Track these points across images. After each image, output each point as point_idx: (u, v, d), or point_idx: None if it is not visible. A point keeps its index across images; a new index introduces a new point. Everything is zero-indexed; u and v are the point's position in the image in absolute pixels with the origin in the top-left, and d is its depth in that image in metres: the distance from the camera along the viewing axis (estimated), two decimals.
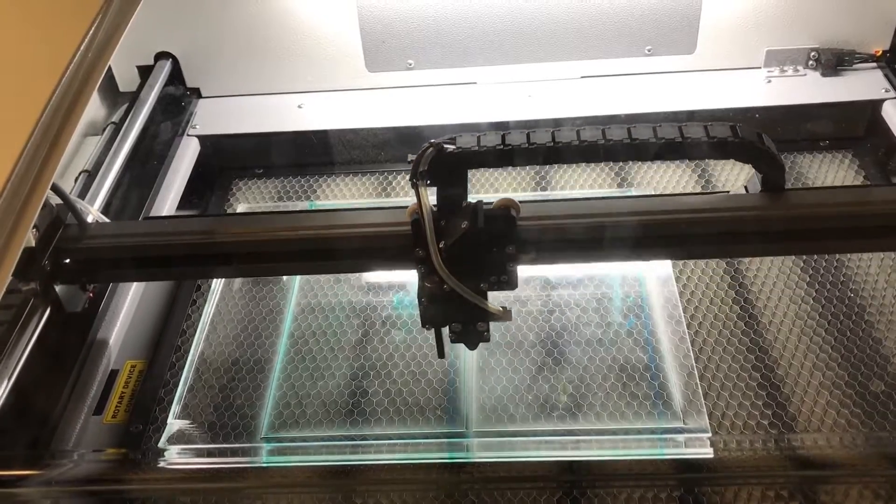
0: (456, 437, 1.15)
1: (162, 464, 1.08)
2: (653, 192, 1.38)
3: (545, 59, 1.60)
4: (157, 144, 1.60)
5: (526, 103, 1.59)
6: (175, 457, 1.12)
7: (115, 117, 1.63)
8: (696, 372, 1.19)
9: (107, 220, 1.21)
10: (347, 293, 1.37)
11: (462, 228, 0.98)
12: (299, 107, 1.67)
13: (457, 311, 1.04)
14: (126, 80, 1.69)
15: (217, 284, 1.39)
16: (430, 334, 1.26)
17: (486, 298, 1.02)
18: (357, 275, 1.39)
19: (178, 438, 1.18)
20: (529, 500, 1.08)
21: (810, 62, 1.60)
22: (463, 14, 1.57)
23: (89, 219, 1.16)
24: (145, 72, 1.64)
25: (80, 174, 1.39)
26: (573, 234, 1.06)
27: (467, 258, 1.01)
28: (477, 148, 0.95)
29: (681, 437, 1.12)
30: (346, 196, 1.58)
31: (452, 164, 0.96)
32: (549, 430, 1.15)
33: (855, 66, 1.59)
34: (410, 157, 0.96)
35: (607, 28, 1.59)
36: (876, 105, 1.52)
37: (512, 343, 1.26)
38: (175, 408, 1.21)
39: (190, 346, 1.30)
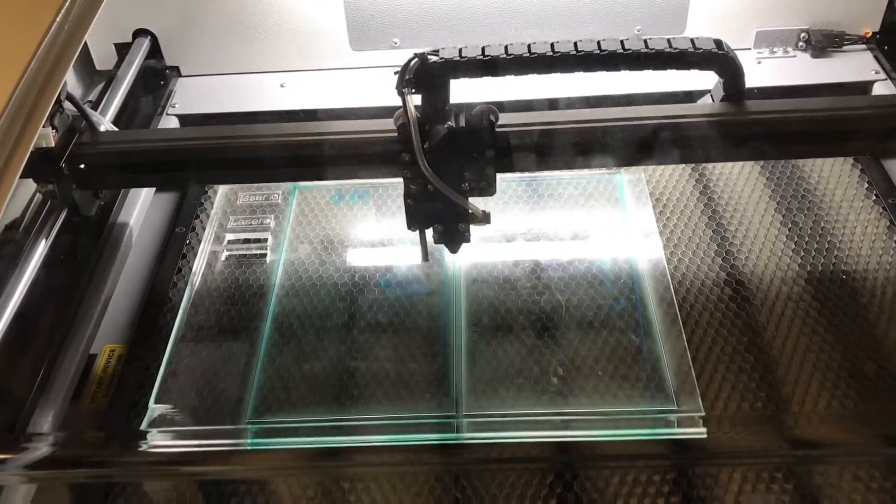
0: (446, 419, 1.13)
1: (142, 447, 1.05)
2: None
3: (532, 38, 1.58)
4: (135, 124, 1.56)
5: (513, 81, 1.55)
6: (156, 440, 1.09)
7: (92, 96, 1.59)
8: (688, 354, 1.17)
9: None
10: (333, 275, 1.34)
11: (444, 129, 1.06)
12: (281, 86, 1.64)
13: (440, 213, 1.14)
14: (102, 58, 1.65)
15: (199, 265, 1.35)
16: (420, 319, 1.26)
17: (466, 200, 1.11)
18: (342, 256, 1.37)
19: (159, 422, 1.14)
20: (521, 481, 1.06)
21: (800, 43, 1.59)
22: None
23: (101, 128, 1.24)
24: (123, 49, 1.60)
25: None
26: (549, 140, 1.14)
27: (449, 161, 1.09)
28: (458, 58, 1.04)
29: (674, 418, 1.10)
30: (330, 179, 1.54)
31: (435, 74, 1.04)
32: (539, 412, 1.13)
33: (845, 48, 1.58)
34: (395, 70, 1.04)
35: (597, 7, 1.57)
36: (866, 87, 1.51)
37: (502, 325, 1.24)
38: (156, 391, 1.17)
39: (171, 328, 1.26)
